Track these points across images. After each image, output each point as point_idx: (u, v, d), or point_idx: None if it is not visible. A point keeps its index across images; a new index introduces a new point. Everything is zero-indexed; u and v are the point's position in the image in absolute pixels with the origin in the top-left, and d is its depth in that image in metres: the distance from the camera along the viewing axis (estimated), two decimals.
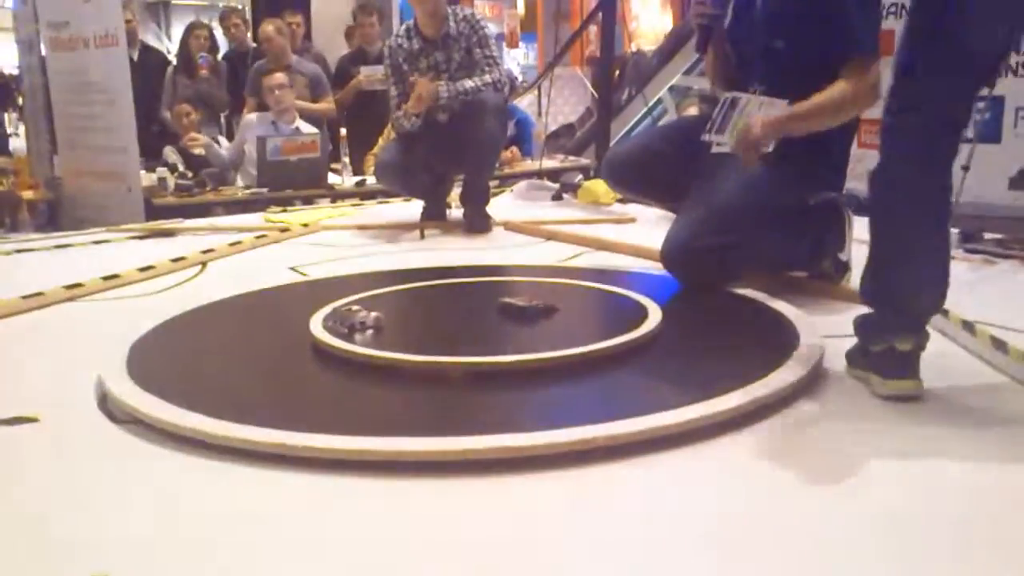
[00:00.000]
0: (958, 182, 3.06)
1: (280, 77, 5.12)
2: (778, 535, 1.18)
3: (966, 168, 3.09)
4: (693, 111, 4.33)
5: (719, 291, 2.47)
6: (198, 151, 5.16)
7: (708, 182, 2.46)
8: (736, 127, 2.34)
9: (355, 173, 5.40)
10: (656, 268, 2.84)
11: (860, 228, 2.65)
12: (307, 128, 5.21)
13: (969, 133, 3.78)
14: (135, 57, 5.62)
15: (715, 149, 2.40)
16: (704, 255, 2.38)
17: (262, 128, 5.02)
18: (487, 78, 3.60)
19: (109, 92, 4.92)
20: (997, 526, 1.20)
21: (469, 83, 3.58)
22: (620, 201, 4.38)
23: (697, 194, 2.52)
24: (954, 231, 3.08)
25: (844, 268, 2.51)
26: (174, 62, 6.37)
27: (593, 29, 7.72)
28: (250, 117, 5.17)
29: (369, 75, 5.54)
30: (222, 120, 6.14)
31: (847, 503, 1.27)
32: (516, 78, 9.77)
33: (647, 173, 2.72)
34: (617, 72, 7.71)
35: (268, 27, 5.53)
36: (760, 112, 2.34)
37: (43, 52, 5.75)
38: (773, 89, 2.37)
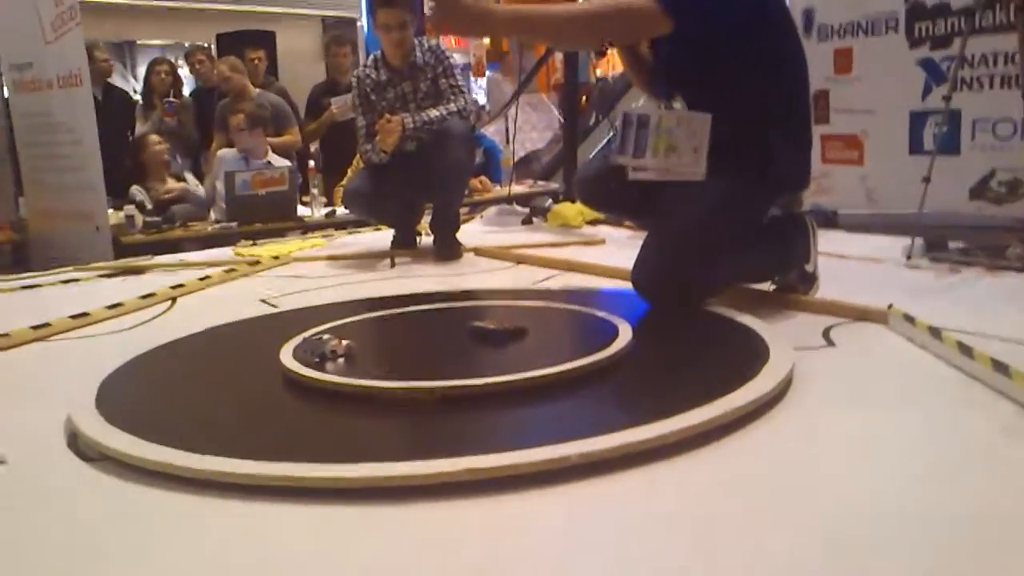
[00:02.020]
0: (920, 193, 3.13)
1: (239, 119, 5.15)
2: (756, 548, 1.18)
3: (927, 180, 3.15)
4: None
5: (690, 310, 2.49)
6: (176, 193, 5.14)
7: (671, 203, 2.41)
8: (658, 148, 2.21)
9: (330, 203, 5.42)
10: (626, 287, 2.86)
11: (826, 241, 2.70)
12: (279, 162, 5.22)
13: (929, 145, 3.86)
14: (99, 97, 5.61)
15: (633, 176, 2.29)
16: (669, 284, 2.36)
17: (234, 163, 5.03)
18: (452, 107, 3.63)
19: (74, 132, 4.91)
20: (980, 534, 1.21)
21: (434, 112, 3.61)
22: (590, 223, 4.42)
23: (659, 219, 2.48)
24: (919, 240, 3.13)
25: (810, 280, 2.53)
26: (140, 100, 6.38)
27: (559, 56, 7.79)
28: (222, 153, 5.18)
29: (340, 106, 5.58)
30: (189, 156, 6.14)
31: (823, 514, 1.27)
32: (484, 106, 9.82)
33: (616, 189, 2.66)
34: (584, 98, 7.79)
35: (222, 66, 5.62)
36: (680, 129, 2.21)
37: (5, 94, 5.73)
38: (693, 98, 2.27)
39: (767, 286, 2.59)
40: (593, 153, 6.82)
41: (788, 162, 2.44)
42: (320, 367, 1.94)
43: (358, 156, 4.31)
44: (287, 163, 5.26)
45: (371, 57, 3.85)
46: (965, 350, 1.85)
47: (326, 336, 2.09)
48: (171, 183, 5.31)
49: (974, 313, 2.32)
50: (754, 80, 2.35)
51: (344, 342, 2.04)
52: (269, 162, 5.17)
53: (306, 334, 2.16)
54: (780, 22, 2.45)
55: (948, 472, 1.41)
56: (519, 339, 2.13)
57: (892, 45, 4.14)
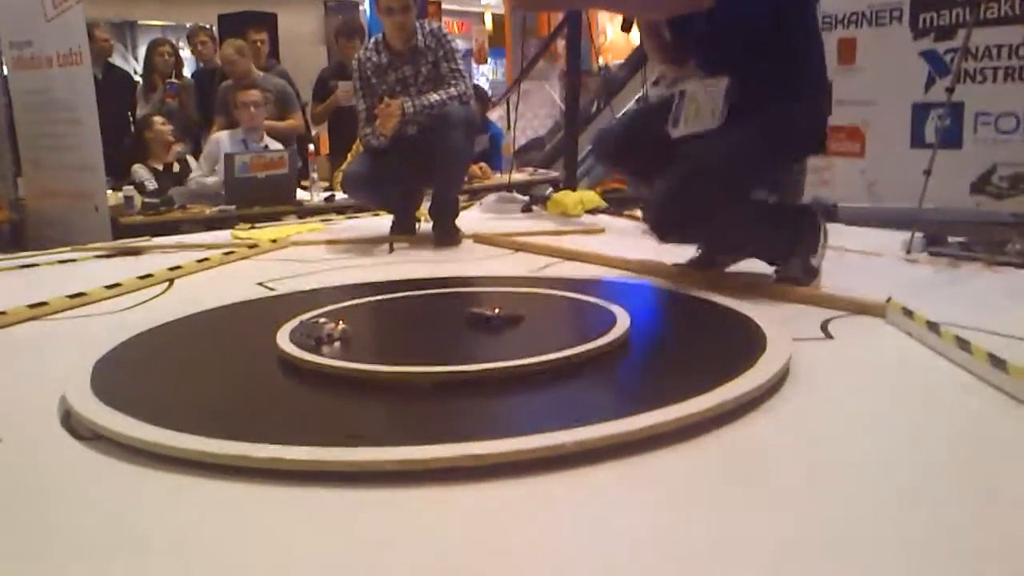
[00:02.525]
0: (920, 187, 3.12)
1: (255, 94, 5.12)
2: (752, 536, 1.18)
3: (928, 173, 3.14)
4: None
5: (687, 297, 2.49)
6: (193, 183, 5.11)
7: (690, 148, 2.48)
8: (688, 116, 2.40)
9: (331, 188, 5.40)
10: (624, 276, 2.86)
11: (833, 235, 2.70)
12: (275, 146, 5.20)
13: (930, 138, 3.84)
14: (99, 76, 5.58)
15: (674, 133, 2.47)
16: (680, 212, 2.41)
17: (232, 146, 5.00)
18: (452, 91, 3.62)
19: (74, 111, 4.88)
20: (971, 523, 1.21)
21: (434, 96, 3.59)
22: (589, 212, 4.41)
23: (680, 158, 2.51)
24: (919, 235, 3.13)
25: (813, 273, 2.53)
26: (140, 81, 6.35)
27: (561, 44, 7.78)
28: (220, 135, 5.14)
29: (346, 90, 5.56)
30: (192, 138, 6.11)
31: (820, 503, 1.27)
32: (488, 92, 9.80)
33: (633, 146, 2.69)
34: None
35: (228, 49, 5.54)
36: (704, 93, 2.39)
37: (5, 72, 5.70)
38: (711, 66, 2.43)
39: (769, 271, 2.59)
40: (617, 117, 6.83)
41: (809, 126, 2.56)
42: (316, 350, 1.93)
43: (358, 140, 4.29)
44: (280, 147, 5.23)
45: (372, 40, 3.84)
46: (963, 344, 1.85)
47: (322, 319, 2.08)
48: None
49: (973, 308, 2.32)
50: (786, 51, 2.44)
51: (340, 325, 2.03)
52: (267, 146, 5.15)
53: (303, 317, 2.16)
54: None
55: (942, 464, 1.41)
56: (515, 326, 2.13)
57: (896, 36, 4.12)
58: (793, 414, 1.62)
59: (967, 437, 1.52)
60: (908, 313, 2.12)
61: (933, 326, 2.00)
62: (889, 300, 2.23)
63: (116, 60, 6.79)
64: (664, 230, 2.51)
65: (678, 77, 2.50)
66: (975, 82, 3.83)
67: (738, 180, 2.46)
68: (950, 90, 3.30)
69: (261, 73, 5.67)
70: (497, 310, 2.16)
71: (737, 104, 2.40)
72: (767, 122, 2.40)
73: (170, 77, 6.02)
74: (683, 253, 2.93)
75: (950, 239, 3.17)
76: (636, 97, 6.89)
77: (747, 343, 1.94)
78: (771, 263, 2.62)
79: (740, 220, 2.52)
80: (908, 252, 3.09)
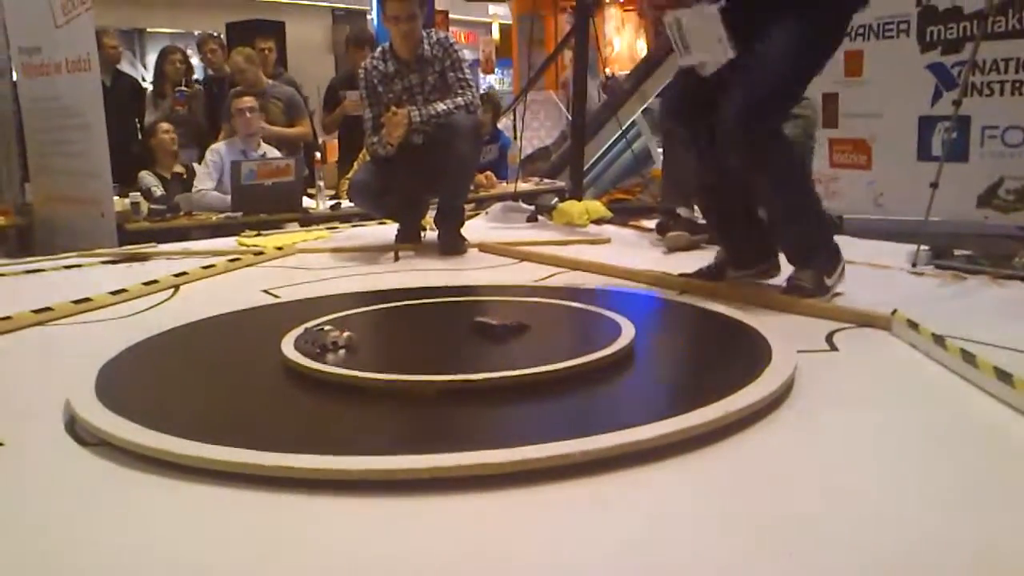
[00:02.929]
0: (927, 199, 3.12)
1: (250, 100, 5.12)
2: (754, 549, 1.17)
3: (935, 186, 3.13)
4: None
5: (692, 308, 2.49)
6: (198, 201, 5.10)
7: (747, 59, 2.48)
8: (694, 42, 2.45)
9: (337, 196, 5.41)
10: (630, 286, 2.86)
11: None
12: (272, 154, 5.21)
13: (937, 151, 3.84)
14: (108, 83, 5.60)
15: (700, 70, 2.50)
16: (751, 128, 2.45)
17: (231, 156, 5.01)
18: (459, 100, 3.63)
19: (82, 116, 4.89)
20: (977, 535, 1.20)
21: (441, 106, 3.60)
22: (595, 223, 4.41)
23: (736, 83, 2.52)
24: (924, 248, 3.12)
25: (823, 289, 2.54)
26: (149, 88, 6.37)
27: (568, 54, 7.79)
28: (218, 146, 5.14)
29: (355, 100, 5.57)
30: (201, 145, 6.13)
31: (822, 515, 1.27)
32: (499, 99, 9.81)
33: (697, 98, 2.65)
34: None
35: (237, 57, 5.56)
36: (701, 20, 2.43)
37: (15, 78, 5.72)
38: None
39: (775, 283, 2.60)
40: (597, 154, 6.83)
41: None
42: (321, 358, 1.93)
43: (364, 150, 4.30)
44: (278, 154, 5.24)
45: (379, 48, 3.85)
46: (968, 358, 1.84)
47: (327, 327, 2.08)
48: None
49: (978, 321, 2.31)
50: None
51: (345, 333, 2.03)
52: (264, 154, 5.15)
53: (307, 325, 2.16)
54: None
55: (946, 476, 1.40)
56: (521, 335, 2.13)
57: (903, 49, 4.13)
58: (797, 426, 1.62)
59: (972, 450, 1.51)
60: (914, 326, 2.11)
61: (939, 339, 1.99)
62: (895, 312, 2.22)
63: (124, 67, 6.81)
64: (735, 147, 2.51)
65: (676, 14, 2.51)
66: (982, 95, 3.84)
67: (798, 84, 2.55)
68: (957, 103, 3.30)
69: (270, 81, 5.69)
70: (503, 319, 2.15)
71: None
72: (800, 16, 2.43)
73: (180, 85, 6.05)
74: (690, 264, 2.94)
75: (956, 252, 3.16)
76: (642, 109, 6.89)
77: (752, 355, 1.93)
78: (790, 260, 2.65)
79: (798, 191, 2.59)
80: (914, 265, 3.09)
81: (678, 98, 2.85)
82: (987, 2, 3.73)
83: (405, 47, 3.67)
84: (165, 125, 5.38)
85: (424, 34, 3.71)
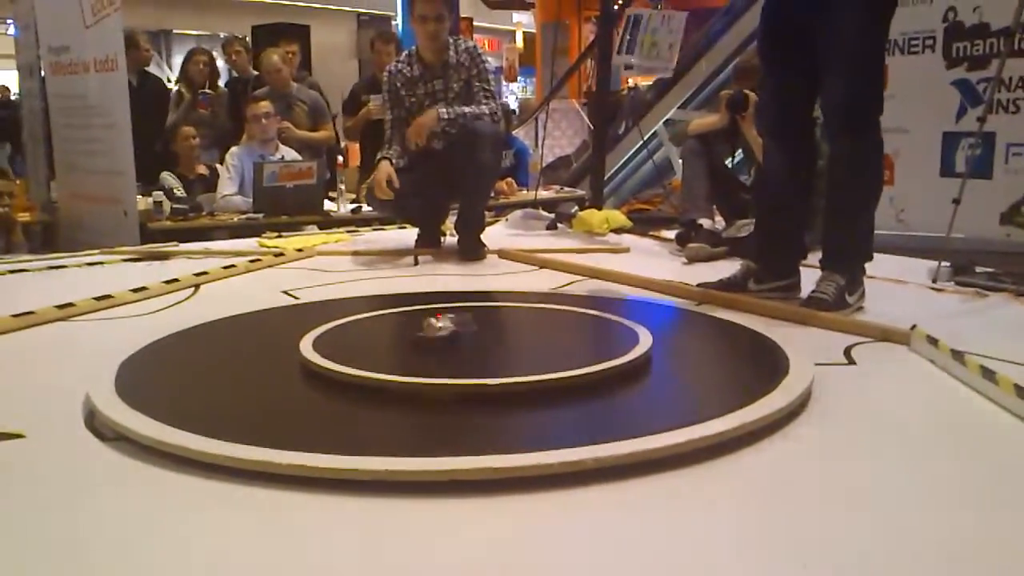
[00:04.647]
0: (949, 216, 3.10)
1: (266, 106, 5.13)
2: (770, 560, 1.17)
3: (957, 202, 3.12)
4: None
5: (710, 318, 2.48)
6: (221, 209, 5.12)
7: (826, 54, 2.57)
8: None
9: (357, 200, 5.42)
10: (649, 295, 2.85)
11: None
12: (291, 156, 5.22)
13: (960, 167, 3.82)
14: (135, 83, 5.66)
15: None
16: (852, 108, 2.55)
17: (249, 159, 5.03)
18: (484, 108, 3.63)
19: (108, 116, 4.94)
20: (991, 546, 1.20)
21: (467, 108, 3.61)
22: (614, 231, 4.41)
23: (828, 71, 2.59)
24: (945, 264, 3.10)
25: (842, 304, 2.54)
26: (174, 89, 6.42)
27: (590, 64, 7.80)
28: (236, 150, 5.15)
29: (378, 104, 5.59)
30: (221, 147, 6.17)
31: (836, 528, 1.26)
32: (514, 111, 9.83)
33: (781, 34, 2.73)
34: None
35: (273, 56, 5.57)
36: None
37: (43, 76, 5.79)
38: None
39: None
40: (618, 164, 6.83)
41: None
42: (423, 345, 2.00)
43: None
44: (297, 156, 5.26)
45: (405, 52, 3.86)
46: (988, 374, 1.83)
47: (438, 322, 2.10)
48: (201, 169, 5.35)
49: (999, 338, 2.29)
50: None
51: (451, 324, 2.06)
52: (283, 157, 5.17)
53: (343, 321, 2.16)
54: None
55: (963, 494, 1.39)
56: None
57: (928, 64, 4.11)
58: (813, 439, 1.61)
59: (990, 466, 1.50)
60: (933, 341, 2.10)
61: (958, 355, 1.98)
62: (914, 328, 2.21)
63: (151, 68, 6.87)
64: (845, 123, 2.59)
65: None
66: (1008, 112, 3.82)
67: (879, 60, 2.65)
68: (982, 119, 3.28)
69: (296, 84, 5.73)
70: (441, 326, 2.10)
71: None
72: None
73: (204, 87, 6.09)
74: (710, 275, 2.93)
75: (978, 269, 3.14)
76: (663, 120, 6.90)
77: (769, 366, 1.93)
78: (826, 261, 2.67)
79: (874, 194, 2.66)
80: (935, 281, 3.07)
81: (770, 94, 2.88)
82: (1014, 19, 3.71)
83: (431, 49, 3.68)
84: (187, 130, 5.39)
85: (451, 40, 3.72)
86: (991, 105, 3.56)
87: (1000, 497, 1.38)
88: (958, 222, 3.14)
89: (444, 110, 3.59)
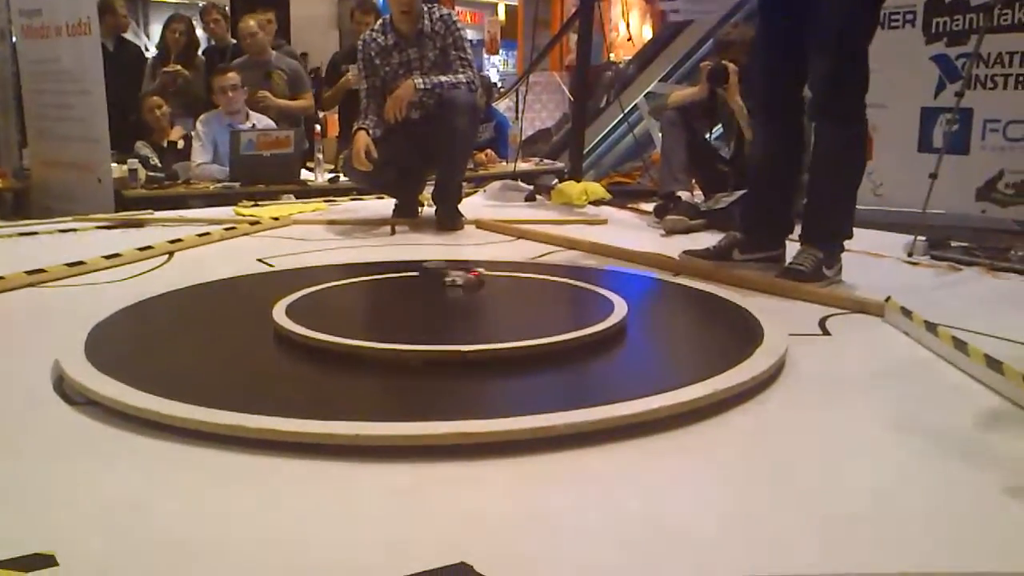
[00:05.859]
0: (926, 191, 3.12)
1: (233, 77, 5.05)
2: (745, 525, 1.17)
3: (934, 177, 3.13)
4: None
5: (687, 288, 2.48)
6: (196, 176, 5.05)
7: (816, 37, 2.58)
8: None
9: (335, 169, 5.38)
10: (625, 266, 2.85)
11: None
12: (262, 124, 5.15)
13: (938, 143, 3.83)
14: (110, 48, 5.57)
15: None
16: (842, 85, 2.56)
17: (219, 126, 4.97)
18: (461, 76, 3.60)
19: (81, 82, 4.86)
20: (969, 508, 1.21)
21: (444, 77, 3.58)
22: (593, 203, 4.40)
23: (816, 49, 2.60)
24: (921, 238, 3.12)
25: (819, 276, 2.56)
26: (151, 57, 6.32)
27: (572, 37, 7.76)
28: (207, 116, 5.07)
29: (355, 74, 5.53)
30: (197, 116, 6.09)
31: (807, 493, 1.27)
32: (495, 84, 9.77)
33: (777, 67, 2.74)
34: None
35: (250, 22, 5.49)
36: None
37: (14, 41, 5.69)
38: None
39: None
40: (599, 137, 6.81)
41: None
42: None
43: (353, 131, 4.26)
44: (271, 124, 5.20)
45: (379, 21, 3.82)
46: (960, 345, 1.84)
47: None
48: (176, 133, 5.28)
49: (972, 311, 2.31)
50: None
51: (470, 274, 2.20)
52: (254, 125, 5.09)
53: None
54: None
55: (932, 460, 1.40)
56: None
57: (908, 39, 4.11)
58: (786, 407, 1.62)
59: (958, 436, 1.51)
60: (906, 313, 2.11)
61: (931, 326, 1.99)
62: (888, 300, 2.22)
63: (128, 35, 6.75)
64: (828, 106, 2.60)
65: None
66: (985, 88, 3.83)
67: (866, 44, 2.61)
68: (960, 95, 3.29)
69: (275, 52, 5.66)
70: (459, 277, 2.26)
71: None
72: None
73: (182, 54, 5.99)
74: (688, 246, 2.94)
75: (953, 243, 3.16)
76: (644, 93, 6.87)
77: (744, 336, 1.93)
78: (807, 236, 2.69)
79: (857, 174, 2.66)
80: (910, 254, 3.08)
81: (760, 71, 2.87)
82: None
83: (404, 20, 3.64)
84: (154, 99, 5.27)
85: (426, 9, 3.68)
86: (969, 81, 3.57)
87: (969, 465, 1.39)
88: (935, 197, 3.16)
89: (421, 80, 3.55)
